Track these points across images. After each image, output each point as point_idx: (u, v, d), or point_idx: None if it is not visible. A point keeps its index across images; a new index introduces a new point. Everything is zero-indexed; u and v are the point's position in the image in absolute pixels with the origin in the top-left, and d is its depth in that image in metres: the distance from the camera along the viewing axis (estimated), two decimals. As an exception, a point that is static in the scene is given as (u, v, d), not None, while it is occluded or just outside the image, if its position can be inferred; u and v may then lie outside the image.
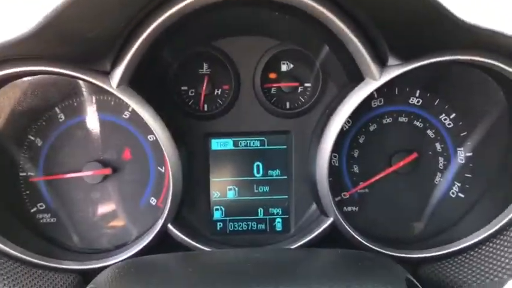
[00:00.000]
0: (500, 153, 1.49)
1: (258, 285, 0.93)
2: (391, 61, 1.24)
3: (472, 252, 1.41)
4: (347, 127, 1.58)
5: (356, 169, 1.61)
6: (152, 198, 1.59)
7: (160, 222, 1.43)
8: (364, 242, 1.42)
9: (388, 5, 1.08)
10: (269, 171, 1.64)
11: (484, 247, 1.39)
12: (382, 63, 1.27)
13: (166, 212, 1.42)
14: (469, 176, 1.59)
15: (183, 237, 1.47)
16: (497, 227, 1.36)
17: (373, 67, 1.25)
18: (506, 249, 1.33)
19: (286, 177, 1.64)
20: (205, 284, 0.96)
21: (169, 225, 1.45)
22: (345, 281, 0.97)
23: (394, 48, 1.22)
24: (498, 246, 1.36)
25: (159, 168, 1.58)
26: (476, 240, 1.39)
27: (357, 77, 1.33)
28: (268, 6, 1.27)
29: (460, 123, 1.58)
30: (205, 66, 1.59)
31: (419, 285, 1.07)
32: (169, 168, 1.38)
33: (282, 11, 1.31)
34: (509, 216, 1.34)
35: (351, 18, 1.21)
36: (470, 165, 1.59)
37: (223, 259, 1.19)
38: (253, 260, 1.14)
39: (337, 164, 1.60)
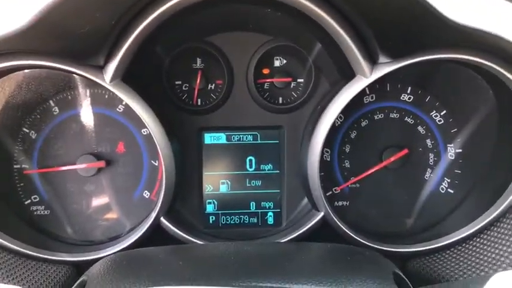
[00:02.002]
0: (489, 150, 1.50)
1: (248, 279, 0.95)
2: (382, 59, 1.26)
3: (460, 247, 1.44)
4: (339, 123, 1.60)
5: (347, 164, 1.62)
6: (145, 191, 1.60)
7: (153, 215, 1.45)
8: (354, 236, 1.44)
9: (378, 4, 1.09)
10: (261, 165, 1.66)
11: (471, 242, 1.42)
12: (373, 61, 1.28)
13: (159, 205, 1.44)
14: (459, 172, 1.61)
15: (176, 230, 1.48)
16: (485, 222, 1.39)
17: (364, 64, 1.27)
18: (492, 244, 1.35)
19: (278, 171, 1.66)
20: (196, 277, 0.98)
21: (162, 218, 1.47)
22: (333, 275, 0.99)
23: (385, 46, 1.23)
24: (485, 242, 1.38)
25: (152, 161, 1.59)
26: (464, 235, 1.42)
27: (348, 74, 1.35)
28: (261, 3, 1.28)
29: (451, 120, 1.60)
30: (198, 61, 1.60)
31: (407, 279, 1.09)
32: (162, 162, 1.40)
33: (274, 8, 1.32)
34: (496, 213, 1.37)
35: (342, 16, 1.23)
36: (460, 161, 1.61)
37: (214, 252, 1.21)
38: (244, 254, 1.16)
39: (328, 159, 1.62)
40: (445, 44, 1.22)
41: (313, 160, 1.41)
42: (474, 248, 1.40)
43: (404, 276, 1.10)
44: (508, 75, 1.22)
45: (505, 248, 1.30)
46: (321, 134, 1.38)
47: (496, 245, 1.33)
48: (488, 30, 1.07)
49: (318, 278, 0.97)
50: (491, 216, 1.38)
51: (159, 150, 1.39)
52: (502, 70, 1.22)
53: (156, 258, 1.17)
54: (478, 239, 1.41)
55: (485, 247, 1.37)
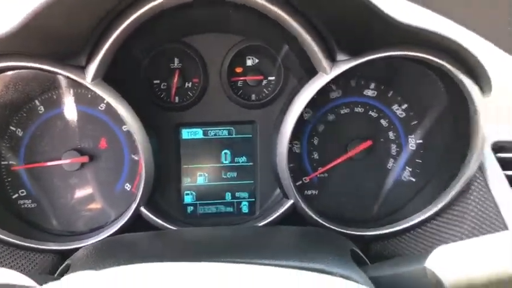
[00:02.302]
0: (446, 140, 1.59)
1: (218, 256, 1.04)
2: (340, 57, 1.36)
3: (419, 229, 1.53)
4: (307, 117, 1.69)
5: (316, 155, 1.72)
6: (127, 184, 1.67)
7: (134, 206, 1.52)
8: (321, 221, 1.52)
9: (326, 4, 1.19)
10: (236, 158, 1.74)
11: (428, 224, 1.52)
12: (332, 59, 1.38)
13: (139, 196, 1.51)
14: (419, 161, 1.70)
15: (156, 219, 1.56)
16: (440, 206, 1.48)
17: (324, 62, 1.36)
18: (447, 225, 1.46)
19: (252, 163, 1.75)
20: (172, 258, 1.04)
21: (142, 209, 1.55)
22: (295, 252, 1.09)
23: (342, 45, 1.33)
24: (440, 224, 1.49)
25: (133, 156, 1.66)
26: (421, 218, 1.51)
27: (312, 71, 1.44)
28: (222, 4, 1.37)
29: (411, 113, 1.69)
30: (176, 60, 1.67)
31: (363, 256, 1.20)
32: (142, 156, 1.47)
33: (236, 10, 1.40)
34: (450, 197, 1.46)
35: (302, 17, 1.31)
36: (421, 151, 1.70)
37: (189, 236, 1.31)
38: (217, 236, 1.26)
39: (298, 151, 1.71)
40: (398, 43, 1.32)
41: (281, 151, 1.50)
42: (431, 230, 1.50)
43: (361, 254, 1.21)
44: (453, 69, 1.32)
45: (457, 229, 1.42)
46: (288, 127, 1.46)
47: (450, 226, 1.45)
48: (430, 29, 1.18)
49: (280, 254, 1.06)
50: (445, 201, 1.47)
51: (138, 145, 1.46)
52: (447, 65, 1.31)
53: (135, 243, 1.25)
54: (434, 221, 1.51)
55: (441, 228, 1.48)
